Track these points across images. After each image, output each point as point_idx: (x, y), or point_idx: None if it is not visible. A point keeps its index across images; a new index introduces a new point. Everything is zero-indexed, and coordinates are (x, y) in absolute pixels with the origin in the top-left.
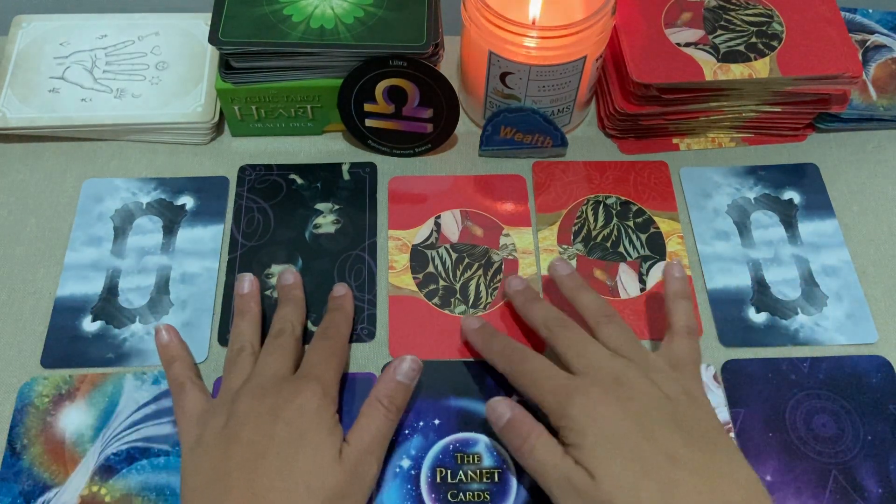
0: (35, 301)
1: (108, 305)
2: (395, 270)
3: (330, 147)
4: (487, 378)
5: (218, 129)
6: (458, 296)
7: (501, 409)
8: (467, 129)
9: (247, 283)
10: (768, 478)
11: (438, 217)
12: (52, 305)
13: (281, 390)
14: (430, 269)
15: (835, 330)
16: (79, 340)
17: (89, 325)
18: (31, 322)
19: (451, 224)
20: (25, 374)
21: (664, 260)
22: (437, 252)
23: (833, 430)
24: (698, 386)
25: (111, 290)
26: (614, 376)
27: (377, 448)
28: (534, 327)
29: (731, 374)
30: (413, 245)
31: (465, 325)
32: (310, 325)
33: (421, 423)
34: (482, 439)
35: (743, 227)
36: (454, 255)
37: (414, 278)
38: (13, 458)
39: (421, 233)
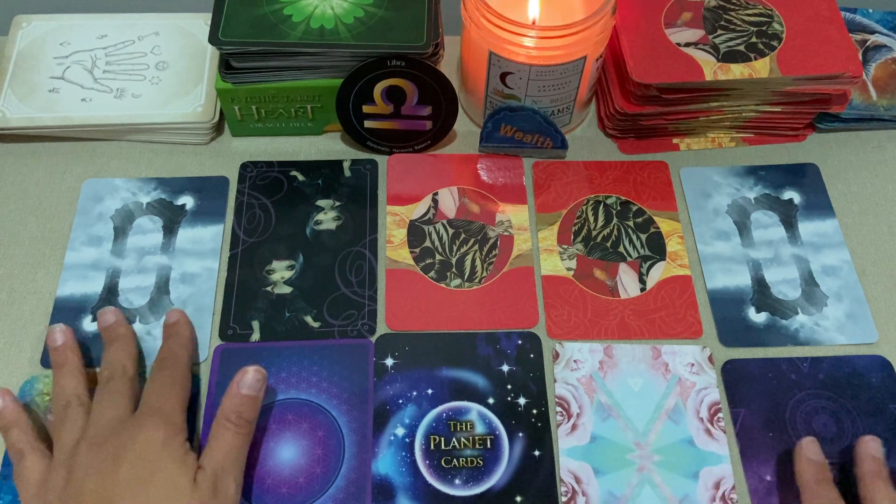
0: (35, 301)
1: (108, 305)
2: (392, 244)
3: (330, 147)
4: (478, 349)
5: (218, 129)
6: (453, 270)
7: None
8: (467, 128)
9: (58, 334)
10: (768, 478)
11: (436, 194)
12: (52, 305)
13: (120, 433)
14: (427, 243)
15: (835, 330)
16: (79, 340)
17: (89, 325)
18: (31, 322)
19: (449, 200)
20: (25, 373)
21: (664, 260)
22: (434, 227)
23: (833, 430)
24: None
25: (111, 290)
26: None
27: (232, 466)
28: None
29: (731, 374)
30: (410, 220)
31: (806, 452)
32: (311, 320)
33: (414, 393)
34: (475, 408)
35: (743, 227)
36: (451, 231)
37: (411, 252)
38: None
39: (419, 209)
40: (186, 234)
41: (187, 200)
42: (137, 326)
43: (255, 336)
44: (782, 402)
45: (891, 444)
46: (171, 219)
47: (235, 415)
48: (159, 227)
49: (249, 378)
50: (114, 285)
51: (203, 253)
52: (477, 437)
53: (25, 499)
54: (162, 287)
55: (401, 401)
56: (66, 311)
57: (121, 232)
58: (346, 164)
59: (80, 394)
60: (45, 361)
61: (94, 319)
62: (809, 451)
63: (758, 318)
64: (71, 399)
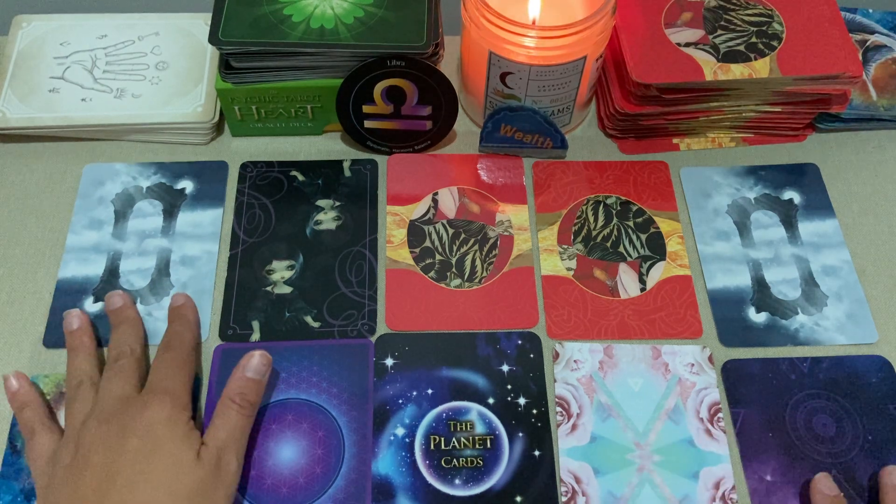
0: (35, 301)
1: (109, 287)
2: (392, 244)
3: (330, 147)
4: (478, 349)
5: (218, 129)
6: (453, 270)
7: None
8: (467, 128)
9: (74, 319)
10: (768, 477)
11: (436, 194)
12: (50, 306)
13: (127, 409)
14: (427, 243)
15: (835, 330)
16: None
17: (91, 306)
18: (31, 322)
19: (448, 200)
20: (26, 372)
21: (664, 260)
22: (434, 227)
23: (833, 430)
24: None
25: (112, 272)
26: None
27: (234, 444)
28: None
29: (731, 374)
30: (410, 220)
31: (820, 487)
32: (310, 320)
33: (414, 393)
34: (475, 408)
35: (743, 227)
36: (451, 231)
37: (411, 252)
38: (14, 455)
39: (419, 209)
40: (186, 218)
41: (187, 185)
42: (138, 307)
43: (255, 336)
44: (782, 402)
45: (891, 444)
46: (171, 203)
47: (239, 396)
48: (159, 211)
49: (255, 362)
50: (115, 268)
51: (203, 236)
52: (477, 437)
53: (36, 474)
54: (162, 269)
55: (401, 401)
56: (68, 292)
57: (121, 215)
58: (346, 164)
59: (91, 374)
60: (49, 342)
61: (96, 301)
62: (824, 486)
63: (758, 318)
64: (83, 379)
